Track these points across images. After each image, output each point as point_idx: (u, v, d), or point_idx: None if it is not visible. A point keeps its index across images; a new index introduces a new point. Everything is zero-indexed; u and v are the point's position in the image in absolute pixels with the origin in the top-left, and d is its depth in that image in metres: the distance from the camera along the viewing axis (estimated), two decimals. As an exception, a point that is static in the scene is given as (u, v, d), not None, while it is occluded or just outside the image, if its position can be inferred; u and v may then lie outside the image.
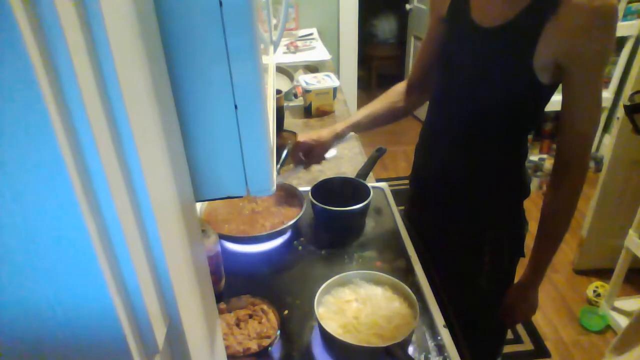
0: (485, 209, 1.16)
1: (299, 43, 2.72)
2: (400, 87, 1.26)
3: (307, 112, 1.93)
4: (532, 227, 1.17)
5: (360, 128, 1.23)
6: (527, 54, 0.91)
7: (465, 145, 1.10)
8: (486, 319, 1.25)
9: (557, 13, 0.87)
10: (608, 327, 2.09)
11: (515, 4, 0.92)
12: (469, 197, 1.16)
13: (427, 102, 1.22)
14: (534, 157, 3.11)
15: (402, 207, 1.39)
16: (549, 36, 0.89)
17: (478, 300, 1.23)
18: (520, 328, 2.11)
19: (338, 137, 1.20)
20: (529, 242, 1.16)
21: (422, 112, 1.20)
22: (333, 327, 0.86)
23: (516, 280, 1.21)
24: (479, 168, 1.11)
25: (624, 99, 2.16)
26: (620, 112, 2.11)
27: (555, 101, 0.99)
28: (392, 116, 1.25)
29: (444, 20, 1.09)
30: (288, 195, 1.29)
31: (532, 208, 1.11)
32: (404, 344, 0.83)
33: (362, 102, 3.98)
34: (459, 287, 1.19)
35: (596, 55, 0.90)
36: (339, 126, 1.21)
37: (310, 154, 1.19)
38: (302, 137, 1.18)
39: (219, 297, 0.97)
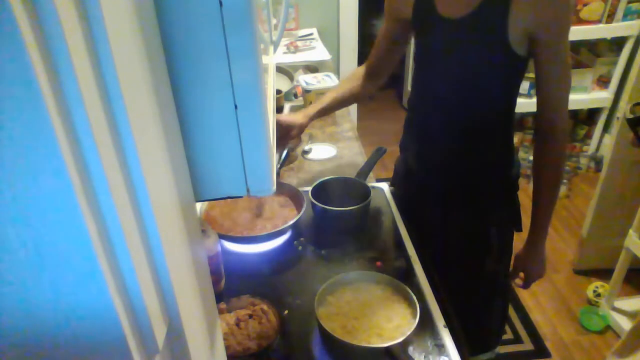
0: (481, 193, 1.20)
1: (299, 43, 2.72)
2: (359, 73, 1.35)
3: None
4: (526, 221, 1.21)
5: (329, 111, 1.35)
6: (502, 32, 0.98)
7: (452, 134, 1.15)
8: (489, 303, 1.30)
9: None
10: (608, 327, 2.09)
11: None
12: (462, 185, 1.20)
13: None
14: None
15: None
16: (517, 11, 0.95)
17: (479, 287, 1.27)
18: (520, 328, 2.11)
19: (310, 121, 1.29)
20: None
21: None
22: (333, 327, 0.86)
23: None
24: (468, 154, 1.16)
25: (624, 100, 2.16)
26: (620, 112, 2.12)
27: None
28: (354, 99, 1.37)
29: (405, 21, 1.14)
30: (288, 195, 1.29)
31: (528, 202, 1.13)
32: (404, 344, 0.83)
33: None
34: (458, 278, 1.23)
35: (559, 22, 0.98)
36: (311, 110, 1.29)
37: (288, 135, 1.25)
38: (281, 119, 1.24)
39: (219, 297, 0.97)
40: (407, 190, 1.36)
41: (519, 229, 1.25)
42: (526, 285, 1.29)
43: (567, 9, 1.00)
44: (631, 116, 0.93)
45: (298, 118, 1.26)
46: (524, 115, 3.16)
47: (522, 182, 1.25)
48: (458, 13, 1.02)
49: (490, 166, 1.18)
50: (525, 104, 2.61)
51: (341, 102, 1.34)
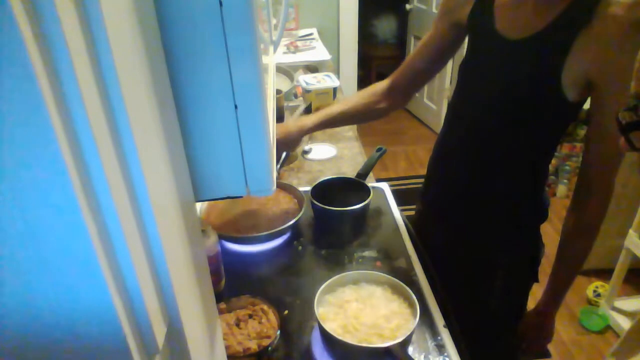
0: (500, 232, 1.12)
1: (299, 43, 2.72)
2: (379, 88, 1.20)
3: (307, 112, 1.93)
4: (548, 250, 1.13)
5: (332, 125, 1.20)
6: (555, 69, 0.86)
7: (483, 163, 1.06)
8: (497, 342, 1.20)
9: (590, 25, 0.82)
10: (608, 327, 2.09)
11: (544, 15, 0.87)
12: (484, 219, 1.11)
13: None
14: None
15: (402, 207, 1.39)
16: (580, 50, 0.83)
17: (489, 324, 1.18)
18: (520, 328, 2.11)
19: (305, 134, 1.15)
20: (545, 267, 1.11)
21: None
22: (333, 327, 0.86)
23: (529, 305, 1.17)
24: (496, 188, 1.07)
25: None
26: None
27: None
28: (367, 117, 1.21)
29: (461, 28, 1.04)
30: (288, 195, 1.29)
31: (547, 229, 1.09)
32: (404, 344, 0.83)
33: (362, 102, 3.99)
34: (469, 310, 1.11)
35: (630, 75, 0.83)
36: (309, 122, 1.15)
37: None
38: None
39: (219, 297, 0.97)
40: (424, 206, 1.29)
41: (536, 280, 1.15)
42: (527, 353, 1.18)
43: None
44: (622, 121, 0.92)
45: (290, 129, 1.11)
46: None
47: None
48: (516, 34, 0.91)
49: (511, 206, 1.08)
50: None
51: (351, 117, 1.20)
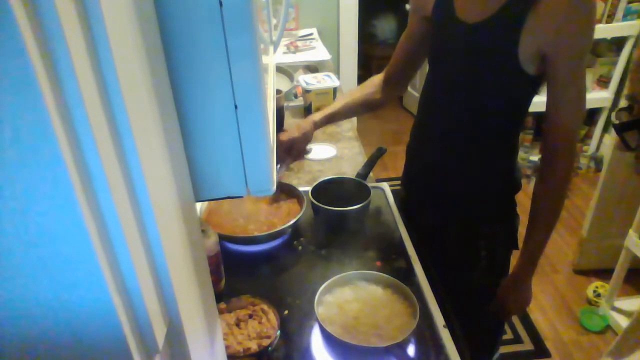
0: (478, 204, 1.18)
1: (299, 43, 2.72)
2: (377, 80, 1.30)
3: (307, 112, 1.93)
4: (525, 222, 1.18)
5: (337, 118, 1.29)
6: (512, 46, 0.94)
7: (456, 141, 1.13)
8: (483, 313, 1.26)
9: (538, 3, 0.90)
10: (608, 327, 2.09)
11: None
12: (462, 194, 1.18)
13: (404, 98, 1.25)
14: (534, 157, 3.11)
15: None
16: (532, 26, 0.92)
17: (475, 295, 1.24)
18: (520, 328, 2.11)
19: (317, 128, 1.25)
20: (521, 238, 1.17)
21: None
22: (333, 327, 0.86)
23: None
24: (470, 163, 1.13)
25: (623, 100, 2.16)
26: (620, 112, 2.11)
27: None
28: (368, 107, 1.31)
29: (429, 20, 1.11)
30: (288, 195, 1.29)
31: (528, 202, 1.13)
32: (404, 344, 0.83)
33: (362, 102, 3.99)
34: (456, 283, 1.20)
35: (577, 44, 0.93)
36: (317, 116, 1.25)
37: (293, 148, 1.22)
38: (283, 137, 1.21)
39: (219, 297, 0.97)
40: (409, 192, 1.35)
41: (516, 247, 1.21)
42: (505, 317, 1.25)
43: (589, 30, 0.93)
44: (617, 122, 0.93)
45: (302, 127, 1.21)
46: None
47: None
48: (474, 18, 0.99)
49: (486, 180, 1.15)
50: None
51: (353, 109, 1.30)
